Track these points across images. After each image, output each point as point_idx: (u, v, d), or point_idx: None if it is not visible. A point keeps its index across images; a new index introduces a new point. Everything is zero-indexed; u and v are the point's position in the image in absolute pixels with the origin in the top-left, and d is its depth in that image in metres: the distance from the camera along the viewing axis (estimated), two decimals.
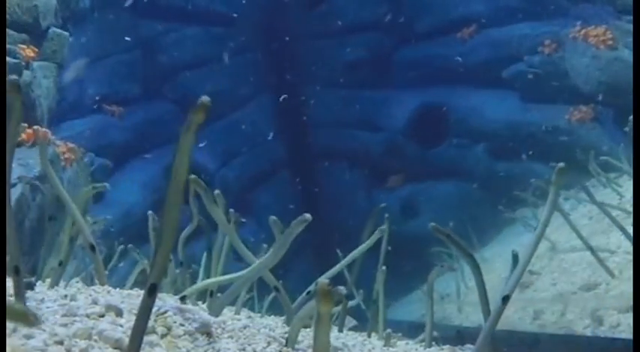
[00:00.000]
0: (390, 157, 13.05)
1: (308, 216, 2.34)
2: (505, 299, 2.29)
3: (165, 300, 2.68)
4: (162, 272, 1.82)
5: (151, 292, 1.79)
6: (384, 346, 3.18)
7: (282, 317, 3.38)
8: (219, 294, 2.89)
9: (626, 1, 9.18)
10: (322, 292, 1.34)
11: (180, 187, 1.80)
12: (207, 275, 3.31)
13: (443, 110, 12.48)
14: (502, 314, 2.32)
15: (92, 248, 2.99)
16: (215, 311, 2.71)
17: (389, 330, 3.31)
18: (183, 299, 2.85)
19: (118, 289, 2.92)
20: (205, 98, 1.71)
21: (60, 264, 3.04)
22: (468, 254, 2.56)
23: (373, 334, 3.69)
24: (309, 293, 3.01)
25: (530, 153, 10.57)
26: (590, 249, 5.52)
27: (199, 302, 3.13)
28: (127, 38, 11.73)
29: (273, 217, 2.70)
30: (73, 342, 1.86)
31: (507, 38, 11.67)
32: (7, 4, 7.42)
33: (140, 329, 1.80)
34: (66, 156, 8.23)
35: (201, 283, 2.96)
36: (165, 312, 2.37)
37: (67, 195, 2.97)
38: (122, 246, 5.28)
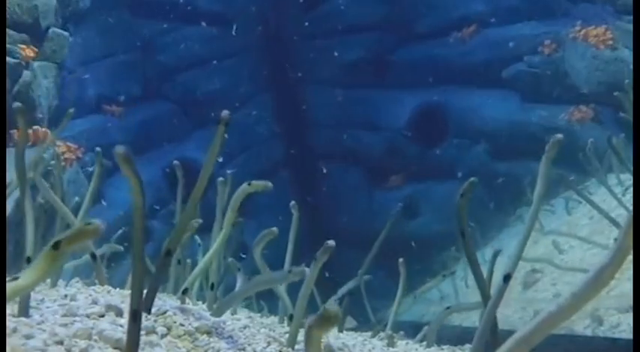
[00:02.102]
0: (391, 157, 13.05)
1: (332, 242, 2.35)
2: (507, 278, 2.27)
3: (165, 300, 2.69)
4: (141, 297, 1.82)
5: (135, 318, 1.76)
6: (387, 346, 3.18)
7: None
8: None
9: (626, 1, 9.18)
10: (326, 316, 1.29)
11: (139, 216, 1.81)
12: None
13: (443, 110, 12.48)
14: (503, 294, 2.29)
15: (93, 256, 3.00)
16: (216, 314, 2.71)
17: (389, 332, 3.32)
18: (185, 292, 2.85)
19: (118, 289, 2.92)
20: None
21: None
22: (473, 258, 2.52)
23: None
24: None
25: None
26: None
27: (199, 302, 3.13)
28: (126, 38, 11.74)
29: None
30: (73, 342, 1.86)
31: (507, 38, 11.67)
32: (7, 4, 7.42)
33: None
34: (66, 156, 8.24)
35: (193, 273, 2.96)
36: (165, 312, 2.37)
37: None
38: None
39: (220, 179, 3.26)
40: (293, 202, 3.17)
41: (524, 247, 2.36)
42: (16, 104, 1.73)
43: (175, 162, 3.59)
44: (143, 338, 2.04)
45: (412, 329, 4.72)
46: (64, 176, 7.58)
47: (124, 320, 2.14)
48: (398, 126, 13.04)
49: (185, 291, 2.85)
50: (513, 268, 2.31)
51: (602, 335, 4.46)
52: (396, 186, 12.98)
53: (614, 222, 5.24)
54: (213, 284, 2.85)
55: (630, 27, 9.02)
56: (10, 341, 1.74)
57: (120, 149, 1.66)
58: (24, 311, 2.08)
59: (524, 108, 11.33)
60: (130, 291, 2.86)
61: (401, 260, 3.68)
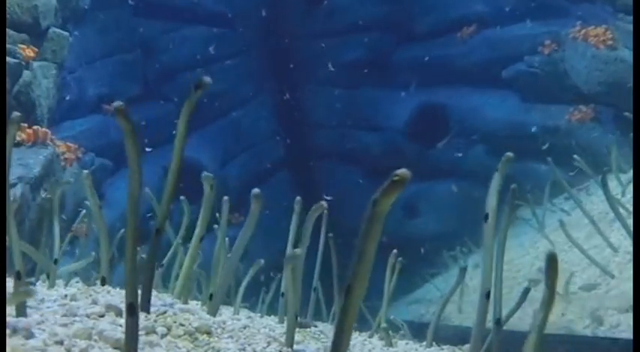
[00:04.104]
0: (390, 157, 13.04)
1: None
2: (488, 295, 2.33)
3: (166, 300, 2.69)
4: (136, 291, 1.82)
5: (132, 312, 1.78)
6: (385, 345, 3.18)
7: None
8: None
9: (626, 1, 9.18)
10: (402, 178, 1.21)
11: (134, 222, 1.82)
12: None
13: (443, 110, 12.48)
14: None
15: (103, 281, 3.01)
16: (212, 309, 2.71)
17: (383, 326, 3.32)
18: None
19: (118, 289, 2.92)
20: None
21: (55, 262, 3.06)
22: None
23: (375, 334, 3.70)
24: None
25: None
26: (587, 254, 5.52)
27: (195, 302, 3.13)
28: (126, 38, 11.74)
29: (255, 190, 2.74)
30: (73, 342, 1.86)
31: (507, 38, 11.67)
32: (7, 4, 7.42)
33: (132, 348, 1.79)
34: (66, 156, 8.23)
35: (181, 276, 2.96)
36: (165, 312, 2.37)
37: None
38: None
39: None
40: (298, 198, 3.14)
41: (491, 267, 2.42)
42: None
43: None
44: (143, 338, 2.04)
45: (412, 329, 4.73)
46: (64, 176, 7.59)
47: (124, 320, 2.14)
48: (398, 126, 13.04)
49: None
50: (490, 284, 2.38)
51: (602, 335, 4.46)
52: None
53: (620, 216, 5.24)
54: (212, 295, 2.84)
55: (630, 27, 9.02)
56: (10, 341, 1.74)
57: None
58: (21, 310, 2.08)
59: (524, 108, 11.33)
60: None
61: (390, 253, 3.68)
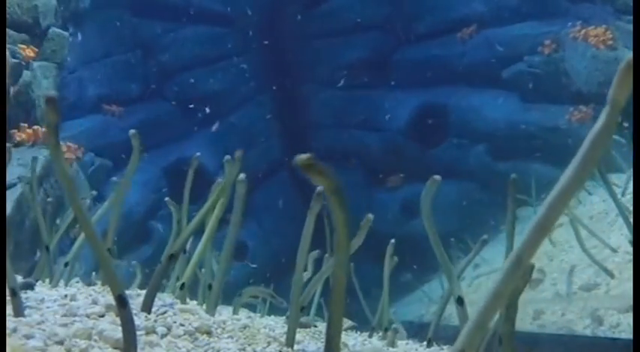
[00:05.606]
0: (390, 157, 13.04)
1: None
2: (461, 302, 2.35)
3: (165, 300, 2.69)
4: (117, 282, 1.83)
5: (122, 304, 1.79)
6: (386, 345, 3.18)
7: (283, 317, 3.39)
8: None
9: (626, 1, 9.18)
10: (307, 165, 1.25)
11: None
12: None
13: (443, 110, 12.48)
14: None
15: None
16: (211, 306, 2.72)
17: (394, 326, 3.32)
18: (182, 287, 2.86)
19: None
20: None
21: (65, 265, 3.06)
22: None
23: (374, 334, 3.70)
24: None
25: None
26: (588, 253, 5.52)
27: (193, 301, 3.13)
28: (126, 38, 11.75)
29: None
30: (73, 342, 1.86)
31: (507, 38, 11.67)
32: (7, 4, 7.42)
33: (130, 344, 1.80)
34: (66, 156, 8.23)
35: (188, 269, 2.96)
36: (165, 312, 2.37)
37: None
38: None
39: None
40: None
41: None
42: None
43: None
44: (143, 338, 2.04)
45: (412, 329, 4.73)
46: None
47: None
48: (398, 126, 13.04)
49: (182, 287, 2.87)
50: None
51: (602, 335, 4.46)
52: (396, 186, 12.98)
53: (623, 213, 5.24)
54: (210, 285, 2.85)
55: (630, 27, 9.02)
56: (10, 341, 1.74)
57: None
58: (21, 311, 2.08)
59: (524, 108, 11.33)
60: (129, 291, 2.86)
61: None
